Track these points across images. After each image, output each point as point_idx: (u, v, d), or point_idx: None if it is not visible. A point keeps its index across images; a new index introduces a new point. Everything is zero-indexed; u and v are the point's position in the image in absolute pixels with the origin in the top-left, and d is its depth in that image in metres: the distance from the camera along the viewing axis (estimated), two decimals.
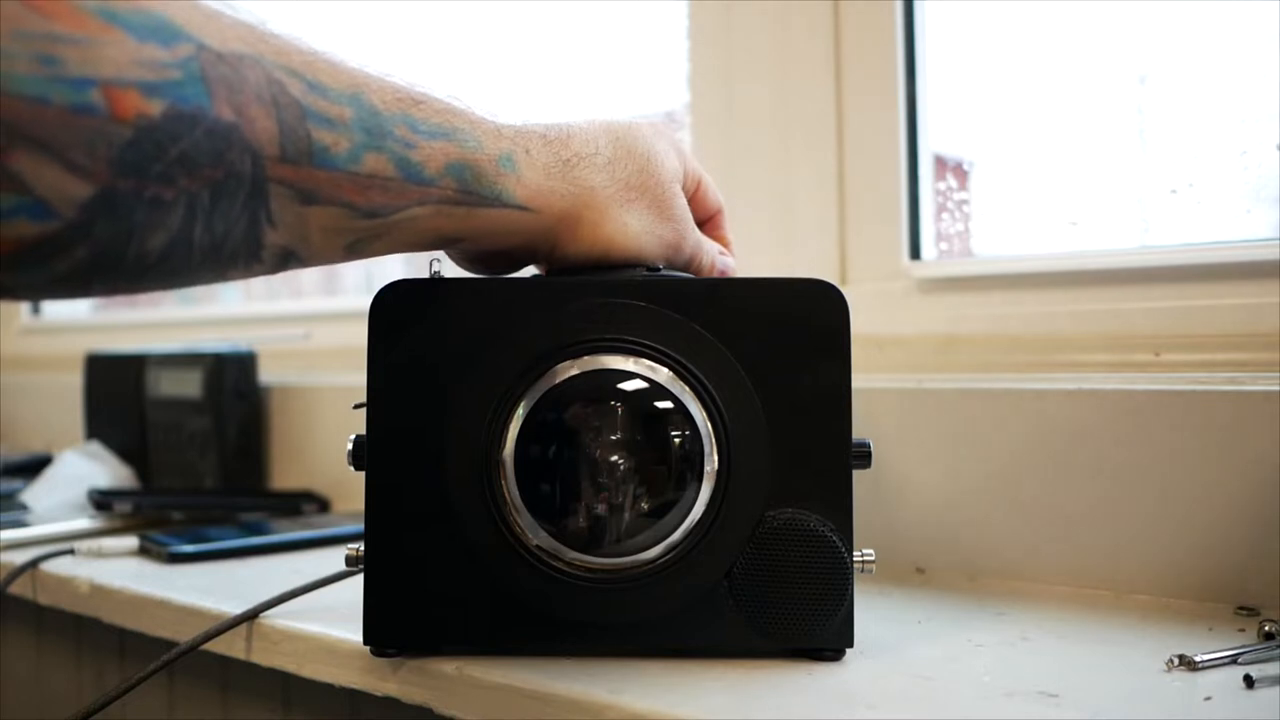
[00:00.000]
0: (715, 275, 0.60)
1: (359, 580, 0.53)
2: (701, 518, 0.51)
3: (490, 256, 0.55)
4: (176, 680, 0.80)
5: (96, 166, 0.38)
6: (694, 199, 0.60)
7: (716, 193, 0.62)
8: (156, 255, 0.42)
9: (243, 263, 0.46)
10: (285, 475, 1.12)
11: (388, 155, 0.47)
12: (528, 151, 0.51)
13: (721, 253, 0.61)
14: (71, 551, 0.84)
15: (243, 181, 0.43)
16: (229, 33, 0.42)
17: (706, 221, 0.62)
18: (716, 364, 0.52)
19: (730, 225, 0.64)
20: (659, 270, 0.55)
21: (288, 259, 0.48)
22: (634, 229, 0.54)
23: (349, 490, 1.03)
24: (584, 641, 0.52)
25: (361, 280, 1.49)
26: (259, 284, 1.66)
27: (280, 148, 0.44)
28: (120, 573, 0.78)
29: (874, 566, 0.52)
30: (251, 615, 0.62)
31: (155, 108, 0.39)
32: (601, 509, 0.50)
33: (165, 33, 0.40)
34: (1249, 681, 0.48)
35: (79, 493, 1.01)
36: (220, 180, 0.42)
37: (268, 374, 1.14)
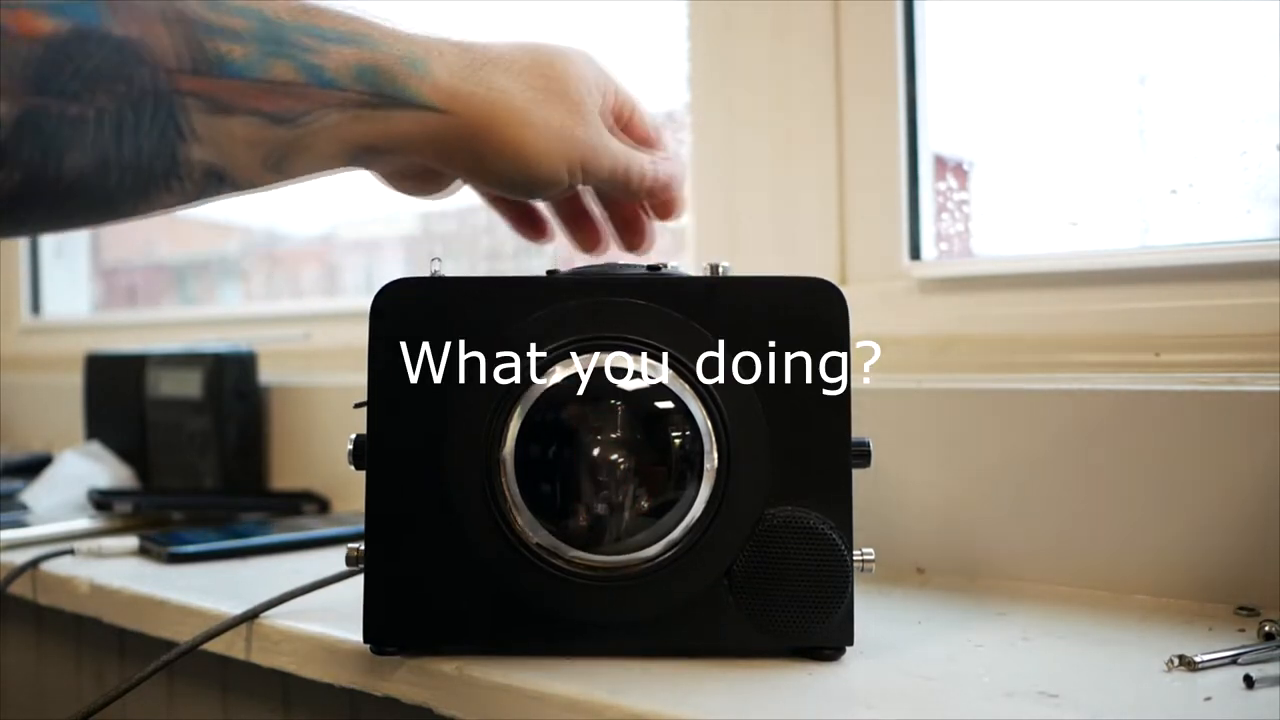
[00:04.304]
0: (661, 181, 0.59)
1: (359, 580, 0.53)
2: (701, 516, 0.51)
3: (417, 173, 0.56)
4: (176, 680, 0.80)
5: (14, 85, 0.42)
6: (628, 125, 0.61)
7: (655, 124, 0.62)
8: (79, 173, 0.45)
9: (164, 183, 0.48)
10: (285, 475, 1.12)
11: (292, 61, 0.48)
12: (440, 54, 0.52)
13: (665, 158, 0.61)
14: (71, 551, 0.84)
15: (149, 95, 0.45)
16: None
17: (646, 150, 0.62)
18: (716, 362, 0.52)
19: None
20: (660, 269, 0.55)
21: (212, 178, 0.49)
22: (551, 132, 0.54)
23: (349, 490, 1.03)
24: (584, 640, 0.52)
25: (361, 280, 1.50)
26: (259, 284, 1.66)
27: (183, 60, 0.46)
28: (120, 573, 0.78)
29: (874, 566, 0.52)
30: (251, 615, 0.62)
31: (62, 25, 0.43)
32: (602, 507, 0.50)
33: None
34: (1249, 681, 0.48)
35: (79, 493, 1.01)
36: (129, 95, 0.45)
37: (268, 374, 1.14)
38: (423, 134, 0.52)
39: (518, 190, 0.57)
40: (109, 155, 0.45)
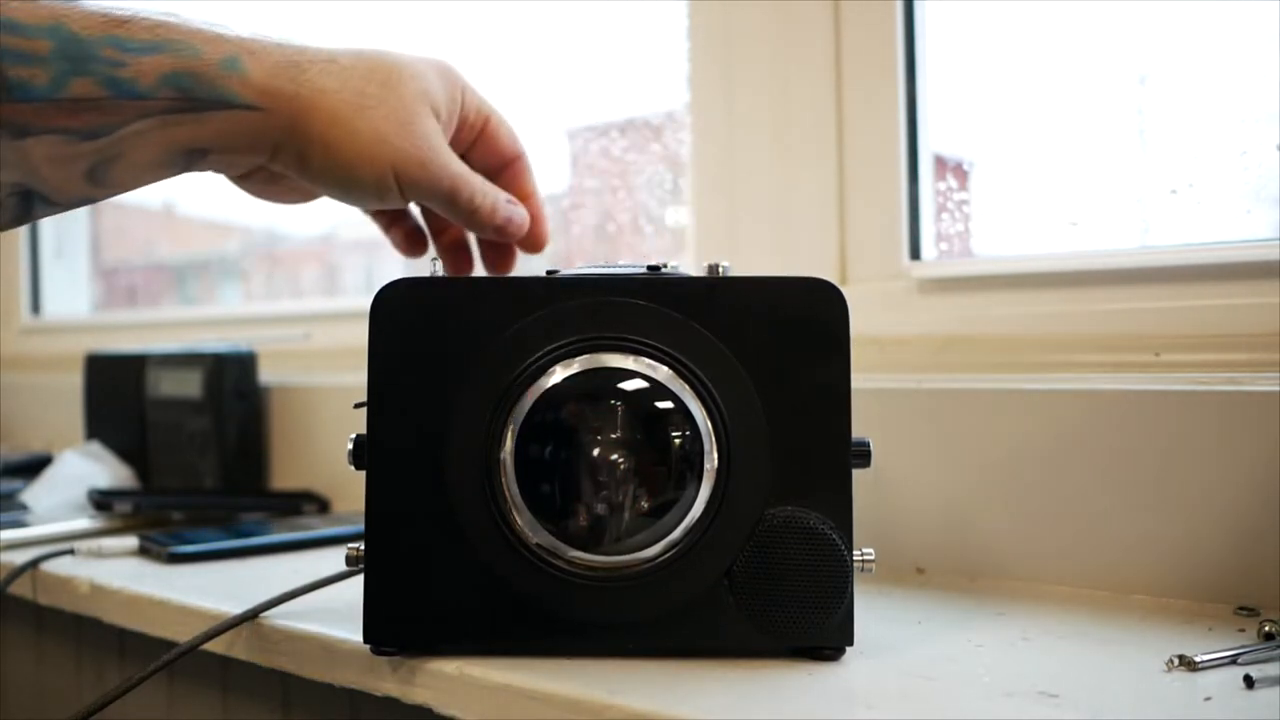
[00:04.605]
0: (498, 222, 0.58)
1: (359, 580, 0.53)
2: (701, 516, 0.51)
3: (252, 174, 0.56)
4: (176, 680, 0.80)
5: None
6: (481, 139, 0.60)
7: (515, 139, 0.61)
8: None
9: None
10: (285, 475, 1.12)
11: (94, 78, 0.48)
12: (252, 53, 0.52)
13: (510, 201, 0.60)
14: (71, 551, 0.84)
15: None
16: None
17: (503, 168, 0.61)
18: (716, 362, 0.52)
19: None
20: (660, 269, 0.55)
21: (28, 199, 0.49)
22: (365, 138, 0.53)
23: (349, 490, 1.03)
24: (584, 640, 0.52)
25: (361, 280, 1.50)
26: (259, 284, 1.66)
27: None
28: (120, 573, 0.78)
29: (874, 565, 0.52)
30: (251, 615, 0.62)
31: None
32: (602, 507, 0.50)
33: None
34: (1249, 681, 0.48)
35: (79, 493, 1.01)
36: None
37: (268, 374, 1.14)
38: (242, 132, 0.52)
39: (342, 194, 0.56)
40: None
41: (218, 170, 0.56)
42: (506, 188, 0.61)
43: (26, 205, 0.50)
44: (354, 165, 0.53)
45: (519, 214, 0.60)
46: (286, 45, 0.53)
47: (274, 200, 0.59)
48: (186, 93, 0.50)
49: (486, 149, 0.60)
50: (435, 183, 0.56)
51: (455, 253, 0.66)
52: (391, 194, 0.55)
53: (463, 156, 0.59)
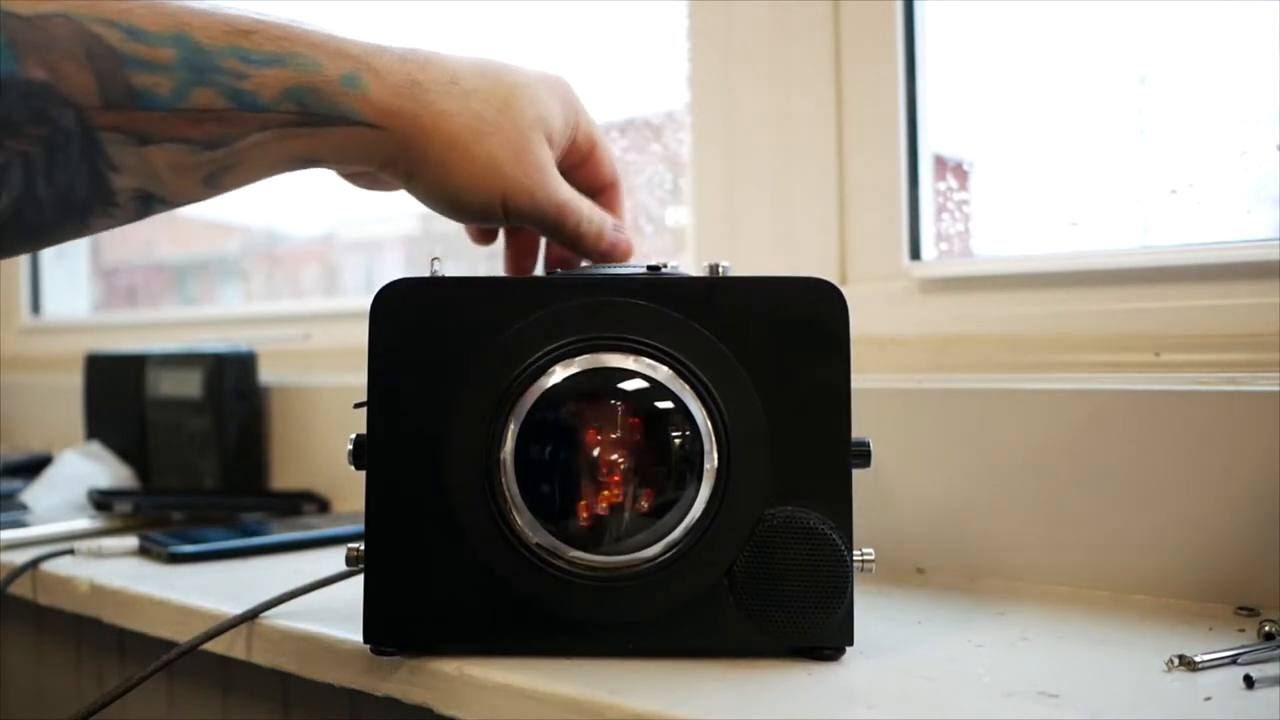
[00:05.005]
0: (603, 248, 0.59)
1: (359, 580, 0.53)
2: (701, 516, 0.51)
3: (355, 176, 0.57)
4: (176, 680, 0.80)
5: None
6: (586, 163, 0.60)
7: (614, 167, 0.61)
8: (7, 215, 0.45)
9: (99, 210, 0.48)
10: (285, 475, 1.12)
11: (217, 89, 0.48)
12: (373, 70, 0.52)
13: (616, 227, 0.60)
14: (71, 551, 0.84)
15: (70, 134, 0.45)
16: None
17: (599, 193, 0.61)
18: (716, 362, 0.52)
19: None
20: (659, 269, 0.55)
21: (147, 201, 0.50)
22: (480, 164, 0.53)
23: (349, 490, 1.03)
24: (584, 640, 0.52)
25: (361, 280, 1.50)
26: (259, 284, 1.66)
27: (100, 97, 0.46)
28: (120, 573, 0.78)
29: (874, 565, 0.52)
30: (251, 615, 0.62)
31: None
32: (602, 507, 0.50)
33: None
34: (1249, 681, 0.48)
35: (79, 493, 1.01)
36: (47, 136, 0.45)
37: (268, 374, 1.14)
38: (358, 147, 0.52)
39: (445, 211, 0.56)
40: (35, 195, 0.45)
41: (327, 169, 0.56)
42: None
43: (145, 206, 0.50)
44: (465, 190, 0.54)
45: (624, 240, 0.60)
46: (409, 59, 0.53)
47: (369, 189, 0.59)
48: (307, 108, 0.50)
49: (589, 172, 0.60)
50: (541, 211, 0.56)
51: (520, 254, 0.66)
52: (497, 219, 0.56)
53: (565, 174, 0.59)
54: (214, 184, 0.51)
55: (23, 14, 0.44)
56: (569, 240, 0.58)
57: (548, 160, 0.56)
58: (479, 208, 0.55)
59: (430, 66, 0.53)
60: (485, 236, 0.65)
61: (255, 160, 0.51)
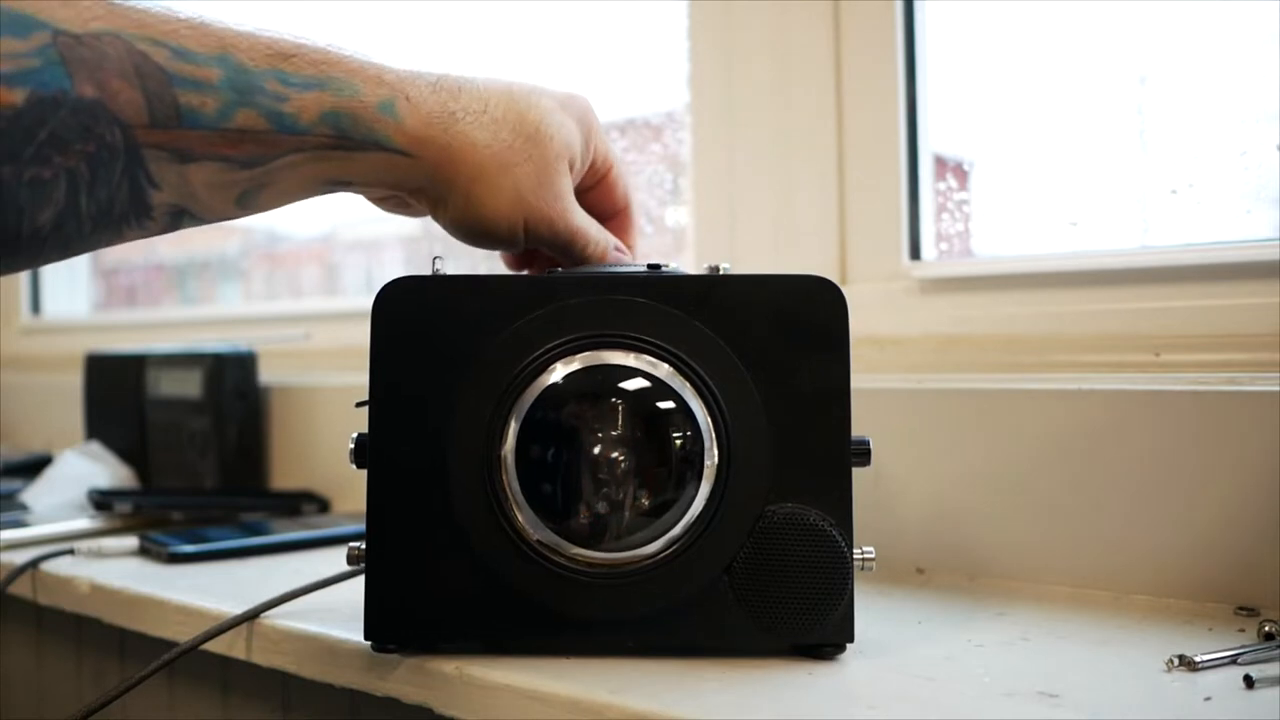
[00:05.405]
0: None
1: (359, 580, 0.53)
2: (702, 512, 0.51)
3: (383, 199, 0.58)
4: (176, 680, 0.80)
5: None
6: (600, 186, 0.61)
7: (627, 191, 0.62)
8: (49, 228, 0.46)
9: (135, 223, 0.49)
10: (285, 475, 1.12)
11: (258, 110, 0.49)
12: (408, 98, 0.52)
13: (619, 248, 0.60)
14: (71, 551, 0.84)
15: (116, 151, 0.46)
16: (87, 13, 0.45)
17: (611, 217, 0.62)
18: (717, 360, 0.52)
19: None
20: (660, 268, 0.55)
21: (180, 216, 0.50)
22: (506, 195, 0.54)
23: (349, 490, 1.03)
24: (585, 637, 0.52)
25: (361, 280, 1.50)
26: (259, 284, 1.66)
27: (148, 115, 0.46)
28: (120, 573, 0.78)
29: (874, 564, 0.52)
30: (251, 615, 0.62)
31: (18, 96, 0.43)
32: (602, 505, 0.50)
33: (21, 25, 0.43)
34: (1249, 681, 0.48)
35: (79, 493, 1.01)
36: (94, 153, 0.45)
37: (268, 374, 1.14)
38: (389, 172, 0.53)
39: (467, 239, 0.57)
40: (78, 209, 0.46)
41: (353, 192, 0.57)
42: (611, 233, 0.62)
43: (176, 220, 0.51)
44: (490, 219, 0.54)
45: (625, 261, 0.61)
46: (441, 87, 0.54)
47: (393, 213, 0.60)
48: (342, 132, 0.51)
49: (602, 196, 0.61)
50: (557, 236, 0.57)
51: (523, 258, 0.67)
52: (517, 244, 0.57)
53: (579, 194, 0.60)
54: (246, 203, 0.52)
55: (74, 31, 0.45)
56: (574, 261, 0.59)
57: (567, 188, 0.57)
58: (502, 235, 0.56)
59: (462, 94, 0.54)
60: (519, 262, 0.65)
61: (287, 181, 0.51)
